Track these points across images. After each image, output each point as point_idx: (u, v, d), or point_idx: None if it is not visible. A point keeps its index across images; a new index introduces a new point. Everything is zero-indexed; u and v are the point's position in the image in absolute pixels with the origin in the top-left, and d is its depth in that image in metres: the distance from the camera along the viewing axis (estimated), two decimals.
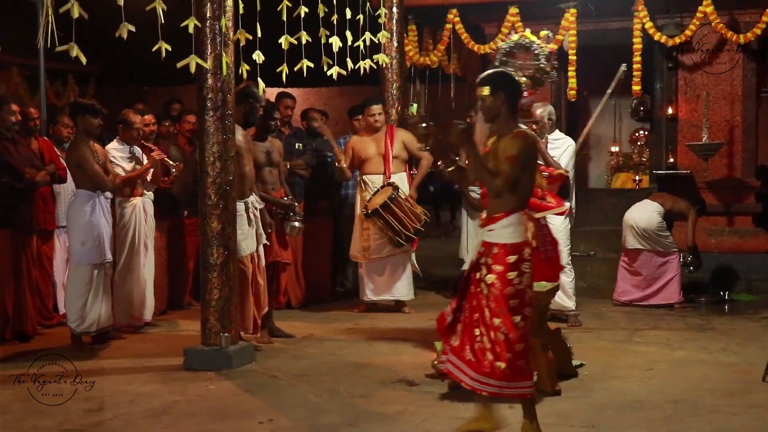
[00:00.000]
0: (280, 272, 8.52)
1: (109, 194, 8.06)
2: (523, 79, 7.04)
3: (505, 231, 4.99)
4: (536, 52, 7.41)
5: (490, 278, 4.94)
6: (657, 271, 9.66)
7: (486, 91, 5.12)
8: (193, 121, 9.69)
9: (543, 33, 7.73)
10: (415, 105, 9.39)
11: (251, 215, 7.59)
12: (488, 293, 4.94)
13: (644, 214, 9.70)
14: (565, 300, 8.59)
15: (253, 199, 7.67)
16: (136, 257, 8.49)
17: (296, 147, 9.78)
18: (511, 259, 4.93)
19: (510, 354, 4.84)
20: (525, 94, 7.26)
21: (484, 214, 5.18)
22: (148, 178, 8.61)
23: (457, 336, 5.08)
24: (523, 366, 4.90)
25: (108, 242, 7.93)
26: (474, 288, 5.05)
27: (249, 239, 7.54)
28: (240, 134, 7.41)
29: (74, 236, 7.84)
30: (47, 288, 8.71)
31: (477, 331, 4.95)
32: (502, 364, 4.83)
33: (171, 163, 8.78)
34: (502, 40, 8.06)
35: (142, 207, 8.56)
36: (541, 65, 7.34)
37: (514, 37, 7.65)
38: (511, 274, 4.91)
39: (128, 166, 8.47)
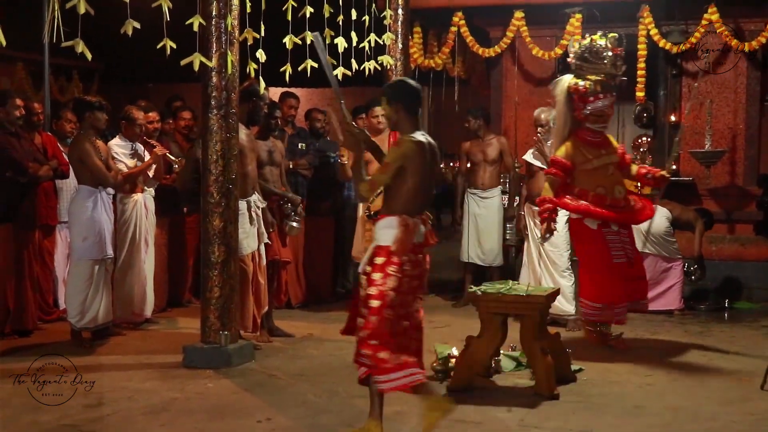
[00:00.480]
0: (280, 270, 8.51)
1: (110, 190, 8.07)
2: (592, 81, 7.62)
3: (380, 232, 5.13)
4: (604, 55, 7.65)
5: (363, 275, 5.15)
6: (659, 276, 9.65)
7: (383, 102, 5.34)
8: (189, 117, 9.73)
9: (611, 35, 7.75)
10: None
11: (253, 214, 7.60)
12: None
13: (653, 217, 9.65)
14: (565, 305, 8.59)
15: (255, 198, 7.68)
16: (137, 253, 8.50)
17: (299, 147, 9.79)
18: (379, 260, 5.05)
19: (367, 350, 4.97)
20: (592, 98, 7.68)
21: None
22: (150, 174, 8.62)
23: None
24: (379, 364, 4.97)
25: (109, 238, 7.94)
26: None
27: (250, 238, 7.54)
28: (243, 133, 7.42)
29: (76, 232, 7.85)
30: (48, 283, 8.72)
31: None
32: (364, 359, 5.01)
33: (173, 159, 8.78)
34: (571, 43, 8.32)
35: (143, 203, 8.57)
36: (609, 70, 7.65)
37: (585, 41, 7.82)
38: (376, 275, 5.02)
39: (130, 162, 8.48)
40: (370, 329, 4.98)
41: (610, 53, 7.62)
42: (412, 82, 5.48)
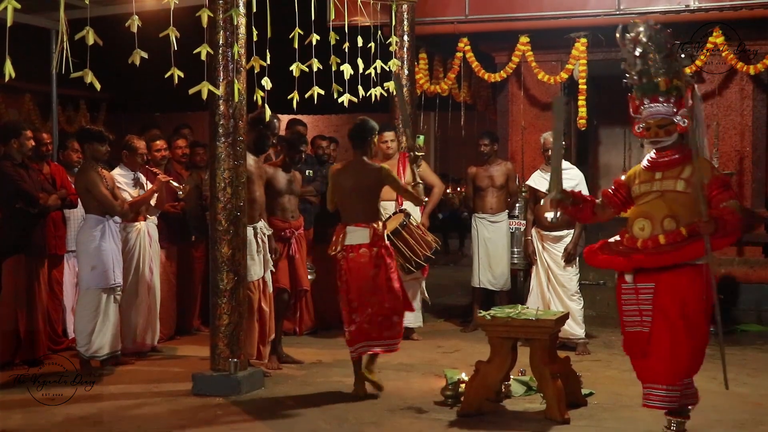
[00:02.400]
0: (302, 298, 8.76)
1: (118, 219, 8.08)
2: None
3: None
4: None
5: None
6: None
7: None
8: (184, 145, 9.73)
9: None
10: (422, 137, 9.40)
11: (260, 241, 7.61)
12: None
13: None
14: (574, 328, 8.57)
15: (261, 224, 7.70)
16: (142, 282, 8.50)
17: (307, 173, 9.81)
18: None
19: None
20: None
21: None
22: (152, 202, 8.64)
23: None
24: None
25: (118, 267, 7.95)
26: None
27: (257, 265, 7.55)
28: (251, 160, 7.45)
29: (83, 261, 7.86)
30: (57, 312, 8.71)
31: None
32: None
33: (177, 185, 8.79)
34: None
35: (146, 231, 8.57)
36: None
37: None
38: None
39: (133, 191, 8.49)
40: None
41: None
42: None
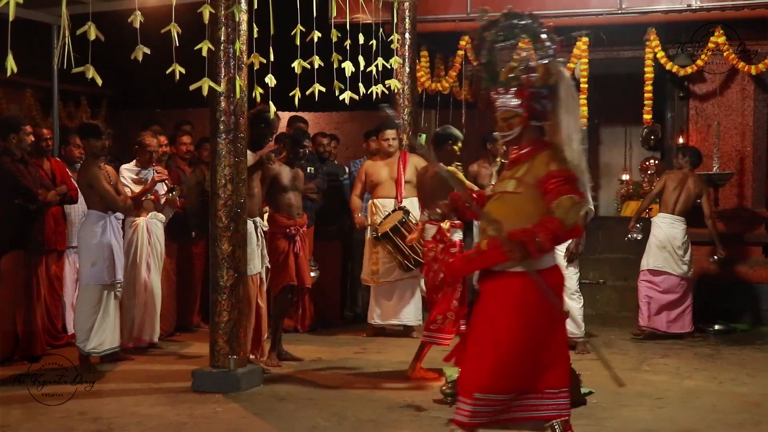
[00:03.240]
0: (305, 296, 8.85)
1: (120, 215, 8.07)
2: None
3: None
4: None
5: None
6: (673, 298, 9.57)
7: None
8: (188, 142, 9.74)
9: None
10: (423, 135, 9.41)
11: (259, 234, 7.62)
12: None
13: (675, 231, 9.58)
14: (573, 327, 8.55)
15: (260, 221, 7.71)
16: (138, 278, 8.49)
17: (308, 171, 9.81)
18: None
19: None
20: None
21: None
22: (162, 201, 8.64)
23: None
24: None
25: (119, 263, 7.94)
26: None
27: (255, 259, 7.56)
28: (250, 156, 7.45)
29: (84, 256, 7.85)
30: (57, 308, 8.71)
31: None
32: None
33: (176, 186, 8.75)
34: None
35: (145, 227, 8.56)
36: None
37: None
38: None
39: (135, 188, 8.50)
40: None
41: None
42: None
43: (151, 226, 8.65)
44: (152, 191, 8.55)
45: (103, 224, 7.82)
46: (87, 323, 7.74)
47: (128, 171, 8.57)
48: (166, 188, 8.68)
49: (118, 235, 8.02)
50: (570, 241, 8.62)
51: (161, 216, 8.76)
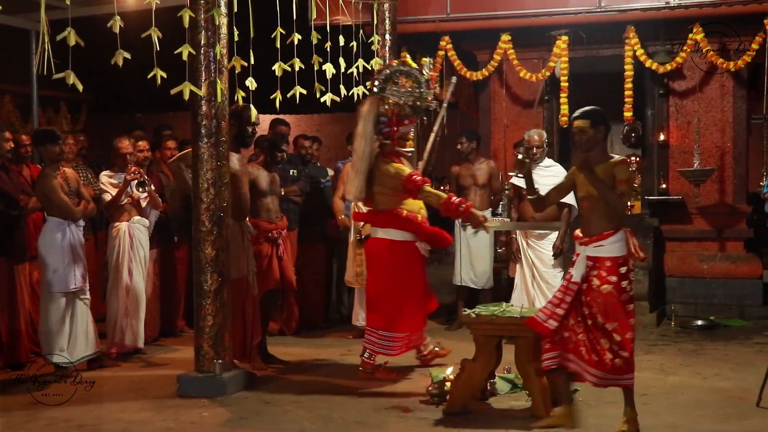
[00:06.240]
0: (290, 298, 8.88)
1: (81, 222, 8.00)
2: (407, 106, 7.45)
3: (615, 246, 5.70)
4: (416, 78, 7.50)
5: (606, 288, 5.66)
6: None
7: (587, 123, 5.82)
8: (174, 146, 9.68)
9: (425, 60, 7.77)
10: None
11: (246, 238, 7.60)
12: (603, 301, 5.65)
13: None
14: None
15: (248, 225, 7.70)
16: (120, 282, 8.45)
17: (291, 173, 9.80)
18: (623, 269, 5.69)
19: (627, 351, 5.63)
20: (405, 122, 7.52)
21: (579, 232, 5.87)
22: (143, 204, 8.61)
23: (567, 339, 5.78)
24: (632, 360, 5.69)
25: (81, 270, 7.85)
26: (586, 298, 5.72)
27: (243, 262, 7.53)
28: (235, 158, 7.43)
29: (45, 264, 7.75)
30: (38, 315, 8.64)
31: (593, 335, 5.69)
32: (620, 361, 5.62)
33: (147, 179, 8.63)
34: (383, 67, 7.91)
35: (126, 231, 8.52)
36: (422, 93, 7.52)
37: (395, 63, 7.72)
38: (624, 283, 5.68)
39: (114, 192, 8.47)
40: (629, 331, 5.64)
41: (424, 78, 7.57)
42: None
43: (134, 230, 8.61)
44: (128, 192, 8.49)
45: (62, 231, 7.74)
46: (53, 332, 7.67)
47: (107, 177, 8.55)
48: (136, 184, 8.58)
49: (79, 242, 7.90)
50: (556, 237, 8.68)
51: (145, 221, 8.73)
